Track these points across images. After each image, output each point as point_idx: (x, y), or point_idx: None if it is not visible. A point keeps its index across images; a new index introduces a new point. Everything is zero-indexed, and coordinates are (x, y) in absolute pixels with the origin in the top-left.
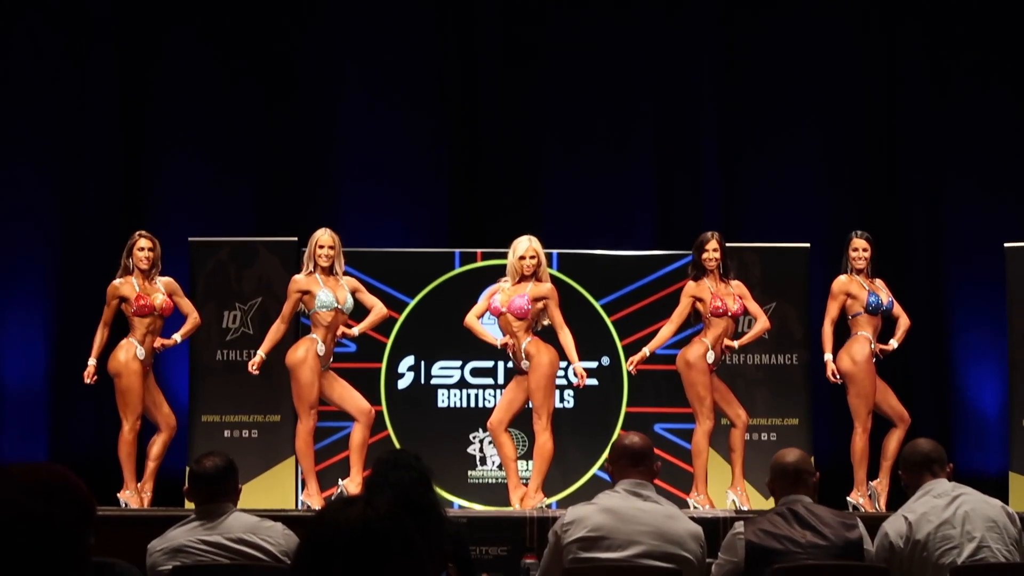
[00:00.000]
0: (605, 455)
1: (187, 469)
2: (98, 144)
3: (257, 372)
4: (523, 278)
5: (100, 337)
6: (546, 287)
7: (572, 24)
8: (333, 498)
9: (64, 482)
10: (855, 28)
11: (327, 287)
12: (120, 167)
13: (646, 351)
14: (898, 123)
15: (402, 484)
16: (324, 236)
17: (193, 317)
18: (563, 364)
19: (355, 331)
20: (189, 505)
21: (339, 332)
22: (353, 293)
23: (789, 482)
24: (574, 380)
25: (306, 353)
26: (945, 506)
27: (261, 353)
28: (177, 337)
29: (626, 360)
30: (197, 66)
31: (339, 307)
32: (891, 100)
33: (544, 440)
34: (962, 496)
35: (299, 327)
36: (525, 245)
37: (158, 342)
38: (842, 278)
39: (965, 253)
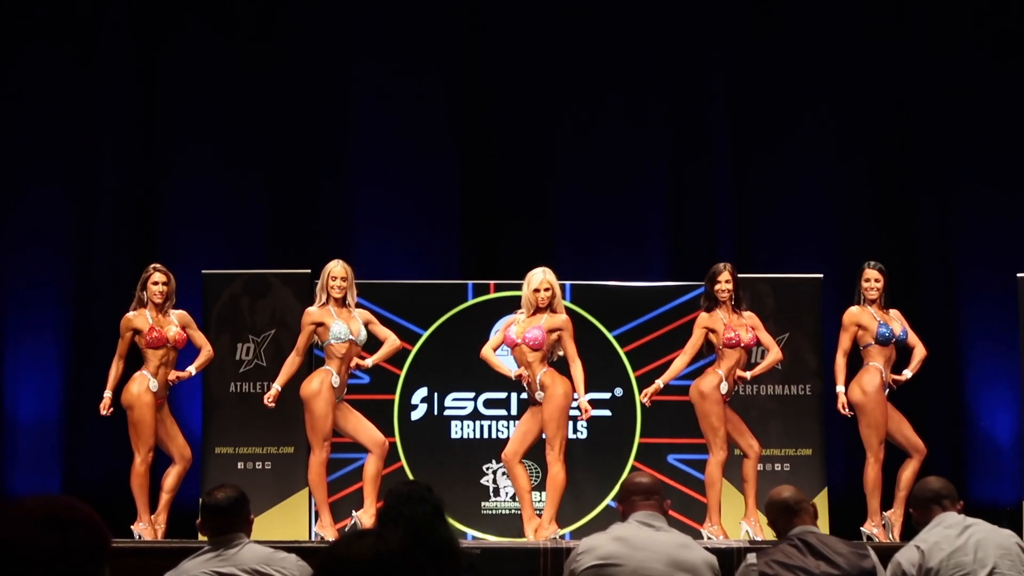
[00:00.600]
0: (619, 486)
1: (200, 501)
2: (112, 177)
3: (273, 405)
4: (538, 310)
5: (115, 369)
6: (561, 318)
7: (585, 57)
8: (346, 530)
9: (78, 515)
10: (868, 58)
11: (340, 319)
12: (134, 200)
13: (660, 383)
14: (911, 153)
15: (415, 517)
16: (337, 268)
17: (207, 350)
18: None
19: (369, 362)
20: (203, 538)
21: (353, 364)
22: (366, 325)
23: (790, 515)
24: (576, 414)
25: (320, 385)
26: (957, 535)
27: (277, 386)
28: (192, 369)
29: (639, 391)
30: (211, 100)
31: (353, 339)
32: (904, 130)
33: (557, 471)
34: (973, 526)
35: (312, 359)
36: (540, 277)
37: (172, 375)
38: (853, 309)
39: (978, 283)
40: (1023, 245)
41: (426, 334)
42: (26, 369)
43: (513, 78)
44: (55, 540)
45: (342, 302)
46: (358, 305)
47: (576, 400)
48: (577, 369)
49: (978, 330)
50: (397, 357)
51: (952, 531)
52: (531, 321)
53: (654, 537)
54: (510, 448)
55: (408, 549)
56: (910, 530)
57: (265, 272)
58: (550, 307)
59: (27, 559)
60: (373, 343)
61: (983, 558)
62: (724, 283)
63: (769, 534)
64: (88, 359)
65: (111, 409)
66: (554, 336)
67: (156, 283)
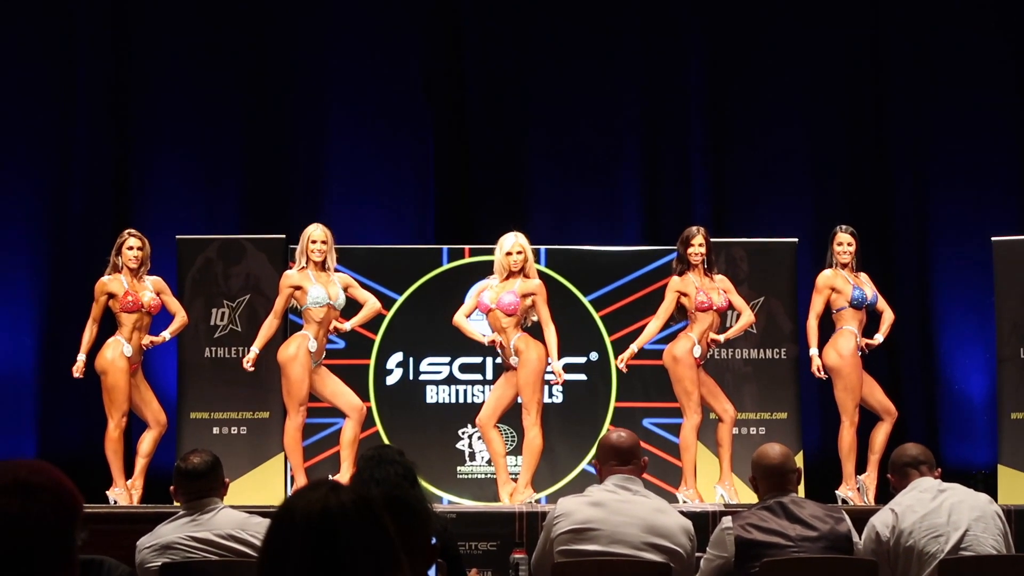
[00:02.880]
0: (594, 450)
1: (174, 467)
2: (86, 142)
3: (252, 368)
4: (511, 274)
5: (89, 333)
6: (534, 283)
7: (558, 22)
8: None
9: (46, 480)
10: (841, 23)
11: (319, 283)
12: (108, 165)
13: (634, 347)
14: (885, 117)
15: (387, 480)
16: (316, 231)
17: (181, 315)
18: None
19: (347, 326)
20: (177, 503)
21: (331, 328)
22: (345, 289)
23: (774, 482)
24: (551, 378)
25: (297, 350)
26: (931, 499)
27: (255, 349)
28: (166, 334)
29: (615, 355)
30: (184, 65)
31: (331, 303)
32: (878, 94)
33: (533, 435)
34: (949, 490)
35: (288, 325)
36: (511, 241)
37: (146, 339)
38: (827, 272)
39: (953, 247)
40: (997, 208)
41: (401, 299)
42: (0, 334)
43: (486, 42)
44: (22, 506)
45: (321, 266)
46: (336, 270)
47: (550, 365)
48: (551, 334)
49: (952, 293)
50: (372, 322)
51: (927, 495)
52: (504, 286)
53: (631, 502)
54: (484, 413)
55: (361, 504)
56: (885, 493)
57: (239, 237)
58: (523, 271)
59: None
60: (350, 308)
61: (956, 520)
62: (697, 247)
63: (745, 496)
64: (63, 324)
65: (84, 372)
66: (528, 301)
67: (131, 248)
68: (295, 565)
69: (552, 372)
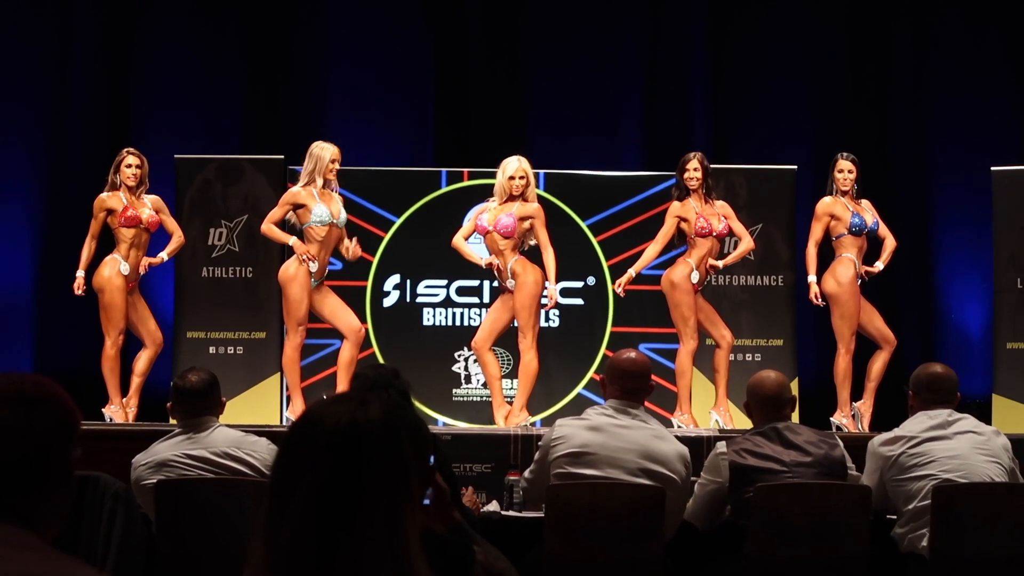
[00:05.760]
0: (590, 374)
1: (171, 385)
2: (84, 61)
3: (310, 257)
4: (511, 198)
5: (88, 249)
6: (533, 207)
7: None
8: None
9: (46, 392)
10: None
11: (322, 201)
12: (106, 84)
13: (632, 272)
14: (886, 46)
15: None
16: (336, 151)
17: (178, 235)
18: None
19: (163, 255)
20: (173, 421)
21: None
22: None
23: (772, 409)
24: (544, 301)
25: (297, 270)
26: (937, 425)
27: (290, 238)
28: (163, 255)
29: (612, 280)
30: None
31: (334, 222)
32: (878, 22)
33: (529, 359)
34: (959, 421)
35: (285, 250)
36: (515, 165)
37: (145, 261)
38: (826, 199)
39: (952, 176)
40: (997, 138)
41: (399, 221)
42: None
43: None
44: (22, 417)
45: (329, 184)
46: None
47: (547, 288)
48: (549, 257)
49: (951, 222)
50: (370, 243)
51: (934, 421)
52: (503, 209)
53: (630, 427)
54: (480, 336)
55: (389, 420)
56: (878, 422)
57: (238, 157)
58: (523, 196)
59: None
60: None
61: (957, 447)
62: (693, 171)
63: (740, 422)
64: (61, 241)
65: (84, 289)
66: (526, 224)
67: (129, 166)
68: (313, 475)
69: (547, 296)
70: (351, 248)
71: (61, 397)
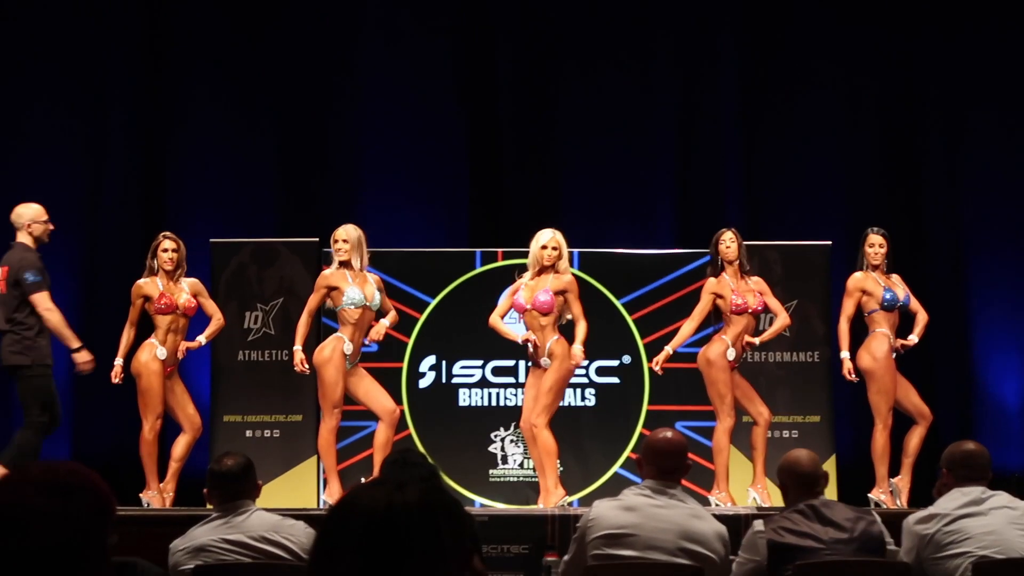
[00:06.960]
0: (626, 454)
1: (207, 470)
2: (121, 145)
3: (305, 370)
4: (543, 269)
5: (126, 336)
6: (566, 279)
7: (592, 24)
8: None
9: (81, 480)
10: (876, 28)
11: (355, 283)
12: (142, 168)
13: (669, 349)
14: (918, 118)
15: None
16: (339, 231)
17: (217, 318)
18: (584, 363)
19: (201, 339)
20: (210, 506)
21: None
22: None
23: (806, 488)
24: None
25: (332, 352)
26: (970, 502)
27: (298, 349)
28: (202, 339)
29: (648, 358)
30: (219, 67)
31: (367, 304)
32: (910, 95)
33: (546, 437)
34: (992, 497)
35: (321, 328)
36: (548, 235)
37: (183, 346)
38: (857, 275)
39: (987, 248)
40: None
41: (434, 302)
42: None
43: (519, 44)
44: (58, 506)
45: (348, 266)
46: (368, 271)
47: (575, 357)
48: (581, 327)
49: (986, 295)
50: (405, 325)
51: (967, 498)
52: (538, 284)
53: (667, 507)
54: (526, 415)
55: (427, 504)
56: (917, 498)
57: (273, 240)
58: (554, 267)
59: (30, 525)
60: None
61: (991, 523)
62: (728, 243)
63: (778, 500)
64: (98, 327)
65: (121, 377)
66: (562, 299)
67: (166, 250)
68: (351, 560)
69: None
70: (376, 328)
71: (96, 484)
